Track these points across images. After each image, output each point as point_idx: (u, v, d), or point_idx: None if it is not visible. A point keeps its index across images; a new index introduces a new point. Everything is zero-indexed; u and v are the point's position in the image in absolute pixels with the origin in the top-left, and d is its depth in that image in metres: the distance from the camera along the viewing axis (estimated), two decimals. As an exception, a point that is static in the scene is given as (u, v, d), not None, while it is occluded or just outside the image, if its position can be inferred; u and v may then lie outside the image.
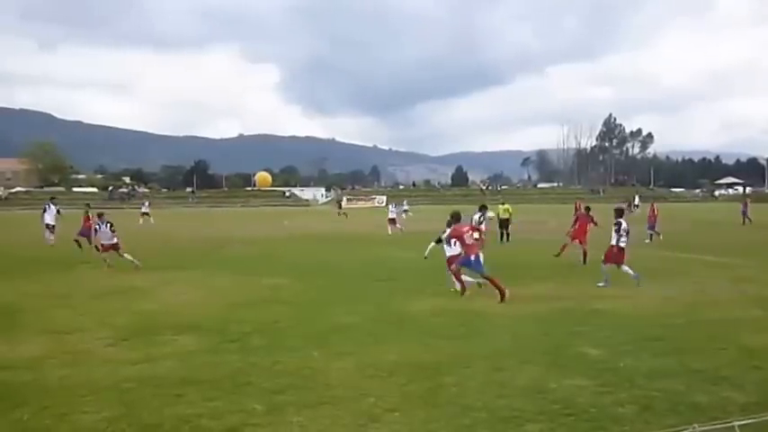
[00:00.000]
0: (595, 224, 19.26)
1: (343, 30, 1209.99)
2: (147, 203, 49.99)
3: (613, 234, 14.37)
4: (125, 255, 17.76)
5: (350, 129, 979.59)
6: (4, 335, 9.52)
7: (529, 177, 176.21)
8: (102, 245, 18.23)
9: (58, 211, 26.81)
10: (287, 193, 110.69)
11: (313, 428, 5.71)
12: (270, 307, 11.86)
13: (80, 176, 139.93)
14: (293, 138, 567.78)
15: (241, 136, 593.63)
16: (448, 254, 13.37)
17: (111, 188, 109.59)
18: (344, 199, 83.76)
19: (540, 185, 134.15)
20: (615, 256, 14.23)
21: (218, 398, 6.49)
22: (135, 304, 12.16)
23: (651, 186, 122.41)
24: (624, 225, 14.42)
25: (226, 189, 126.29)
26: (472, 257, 12.50)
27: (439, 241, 13.93)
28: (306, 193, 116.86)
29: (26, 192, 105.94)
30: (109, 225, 18.04)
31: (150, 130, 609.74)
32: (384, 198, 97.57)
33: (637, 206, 54.26)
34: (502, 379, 7.12)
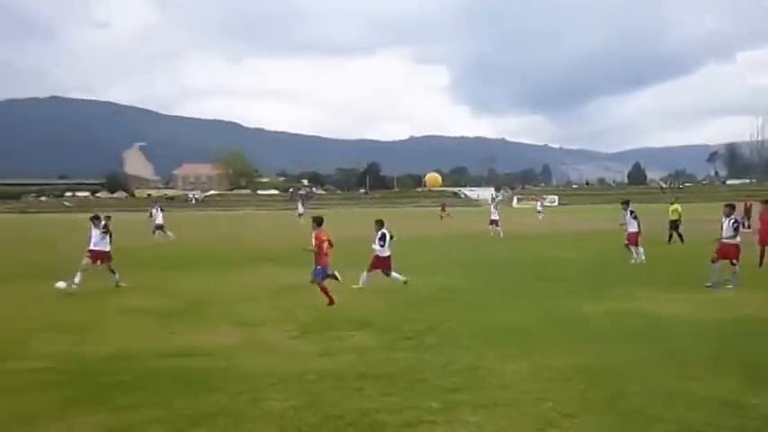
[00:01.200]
0: None
1: (513, 27, 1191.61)
2: (300, 204, 52.64)
3: None
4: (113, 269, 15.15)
5: (519, 127, 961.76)
6: (204, 326, 10.48)
7: (716, 173, 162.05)
8: (91, 251, 15.00)
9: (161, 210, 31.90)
10: (457, 194, 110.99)
11: (489, 429, 5.66)
12: (440, 306, 11.98)
13: (264, 180, 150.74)
14: (462, 138, 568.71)
15: (411, 138, 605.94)
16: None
17: (291, 190, 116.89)
18: (515, 199, 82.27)
19: (729, 182, 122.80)
20: None
21: (395, 393, 6.64)
22: (313, 300, 12.80)
23: None
24: None
25: (397, 190, 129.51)
26: (319, 267, 12.42)
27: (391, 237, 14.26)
28: (475, 193, 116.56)
29: (219, 194, 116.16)
30: (104, 227, 15.21)
31: (325, 135, 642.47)
32: (555, 198, 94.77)
33: None
34: (690, 389, 6.60)
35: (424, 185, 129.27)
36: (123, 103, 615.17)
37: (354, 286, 13.49)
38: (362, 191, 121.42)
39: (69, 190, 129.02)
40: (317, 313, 11.40)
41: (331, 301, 12.12)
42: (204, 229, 42.10)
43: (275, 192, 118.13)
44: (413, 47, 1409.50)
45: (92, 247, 15.04)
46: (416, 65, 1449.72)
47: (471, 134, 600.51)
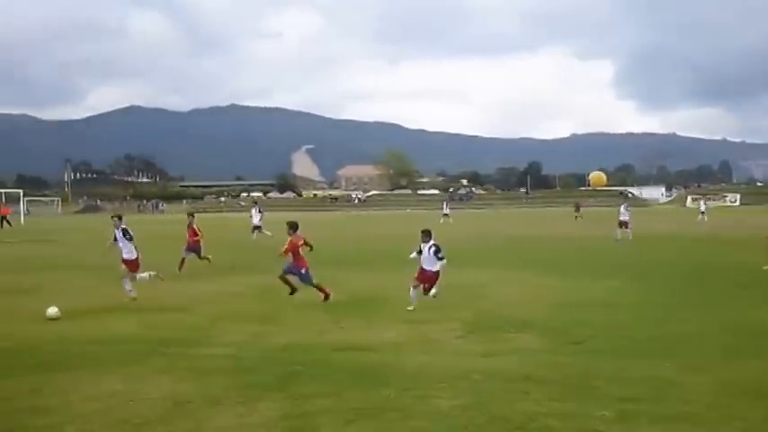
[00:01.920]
0: None
1: (683, 15, 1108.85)
2: (445, 205, 52.23)
3: None
4: (138, 276, 13.59)
5: (692, 121, 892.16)
6: (371, 322, 10.82)
7: None
8: (124, 260, 13.41)
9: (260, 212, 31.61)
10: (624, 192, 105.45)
11: (670, 444, 5.31)
12: (608, 310, 11.44)
13: (424, 180, 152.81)
14: (628, 134, 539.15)
15: (574, 135, 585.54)
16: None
17: (451, 190, 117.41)
18: (688, 198, 76.50)
19: None
20: None
21: (564, 399, 6.43)
22: (475, 300, 12.78)
23: None
24: None
25: (559, 189, 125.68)
26: (303, 270, 12.58)
27: (419, 252, 12.22)
28: (644, 193, 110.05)
29: (380, 194, 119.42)
30: (122, 231, 13.44)
31: (485, 134, 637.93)
32: (737, 197, 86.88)
33: None
34: None
35: (588, 184, 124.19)
36: (293, 108, 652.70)
37: (409, 308, 11.57)
38: (523, 190, 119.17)
39: (245, 191, 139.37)
40: (479, 313, 11.35)
41: (326, 297, 12.55)
42: (368, 228, 43.49)
43: (435, 192, 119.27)
44: (574, 42, 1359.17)
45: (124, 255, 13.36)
46: (578, 60, 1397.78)
47: (638, 130, 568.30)
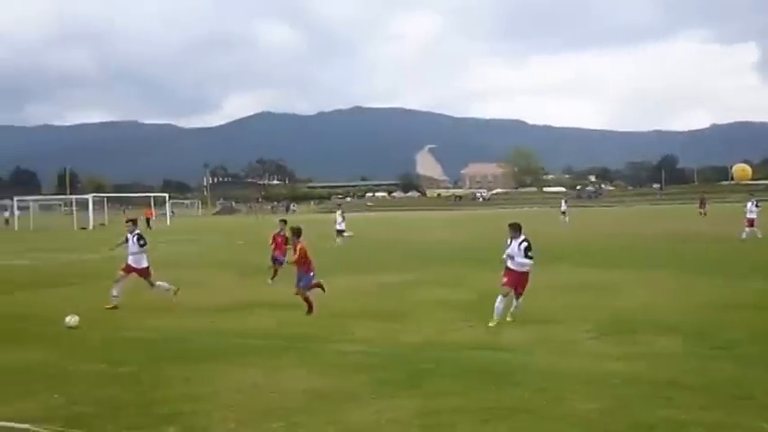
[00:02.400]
0: None
1: None
2: (563, 202, 49.98)
3: None
4: (158, 283, 13.23)
5: None
6: (501, 321, 10.66)
7: None
8: (128, 266, 13.01)
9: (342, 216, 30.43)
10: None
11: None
12: (761, 313, 10.60)
13: (549, 177, 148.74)
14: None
15: (714, 125, 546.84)
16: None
17: (578, 187, 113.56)
18: None
19: None
20: None
21: (714, 407, 6.04)
22: (609, 301, 12.29)
23: None
24: None
25: (696, 184, 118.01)
26: (308, 274, 11.92)
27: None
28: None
29: (505, 193, 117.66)
30: (137, 237, 12.98)
31: (614, 128, 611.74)
32: None
33: None
34: None
35: (731, 178, 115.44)
36: (416, 108, 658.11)
37: (491, 324, 10.16)
38: (656, 186, 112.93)
39: (369, 191, 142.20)
40: (614, 314, 10.90)
41: (310, 309, 11.75)
42: (493, 226, 43.00)
43: (561, 189, 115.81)
44: (713, 25, 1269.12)
45: (130, 262, 13.00)
46: (718, 45, 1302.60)
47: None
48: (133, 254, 12.90)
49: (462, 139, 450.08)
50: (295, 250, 11.97)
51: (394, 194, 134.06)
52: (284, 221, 17.04)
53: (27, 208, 66.56)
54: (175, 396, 6.93)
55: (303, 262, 11.91)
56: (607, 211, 71.06)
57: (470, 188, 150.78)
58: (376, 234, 31.72)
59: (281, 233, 16.32)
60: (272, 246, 16.53)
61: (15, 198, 65.89)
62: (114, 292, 12.59)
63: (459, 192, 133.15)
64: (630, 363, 7.74)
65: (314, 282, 12.17)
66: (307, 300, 11.86)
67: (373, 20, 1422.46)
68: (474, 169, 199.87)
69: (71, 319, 10.77)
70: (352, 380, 7.34)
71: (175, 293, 13.25)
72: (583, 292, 13.40)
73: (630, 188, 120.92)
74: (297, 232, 12.23)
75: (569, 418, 5.90)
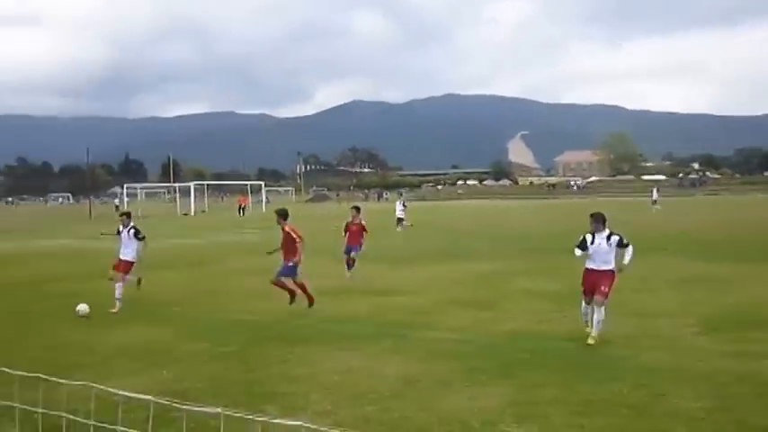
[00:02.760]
0: None
1: None
2: (655, 191, 48.22)
3: None
4: (120, 283, 11.64)
5: None
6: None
7: None
8: (120, 261, 11.93)
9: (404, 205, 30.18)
10: None
11: None
12: None
13: (648, 164, 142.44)
14: None
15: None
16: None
17: (681, 175, 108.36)
18: None
19: None
20: None
21: (835, 411, 5.65)
22: (714, 295, 11.68)
23: None
24: None
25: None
26: (290, 264, 11.07)
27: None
28: None
29: (600, 181, 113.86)
30: (134, 231, 12.01)
31: (720, 112, 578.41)
32: None
33: None
34: None
35: None
36: (509, 95, 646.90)
37: (591, 341, 8.26)
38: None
39: (461, 179, 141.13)
40: (721, 310, 10.36)
41: (292, 299, 11.10)
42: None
43: (661, 177, 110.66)
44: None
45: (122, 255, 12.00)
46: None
47: None
48: (127, 247, 11.93)
49: (556, 125, 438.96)
50: (294, 232, 11.35)
51: (485, 182, 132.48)
52: (357, 208, 16.08)
53: (135, 195, 70.71)
54: (274, 376, 7.19)
55: (288, 249, 11.29)
56: (711, 199, 67.37)
57: (564, 176, 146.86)
58: (466, 222, 31.53)
59: (356, 221, 15.34)
60: (346, 235, 15.32)
61: (125, 186, 70.13)
62: (117, 294, 11.51)
63: (552, 180, 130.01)
64: (739, 361, 7.34)
65: (292, 275, 11.11)
66: (284, 286, 11.09)
67: (466, 5, 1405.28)
68: (568, 157, 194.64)
69: (82, 308, 10.76)
70: (444, 367, 7.37)
71: (139, 282, 12.34)
72: (684, 286, 12.82)
73: (738, 176, 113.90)
74: (283, 214, 11.73)
75: (673, 416, 5.69)
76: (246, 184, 73.58)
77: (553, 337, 8.75)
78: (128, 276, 11.92)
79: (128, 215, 12.61)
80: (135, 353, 8.44)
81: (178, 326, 10.10)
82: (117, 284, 11.55)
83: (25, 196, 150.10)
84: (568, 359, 7.65)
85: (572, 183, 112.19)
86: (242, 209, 54.97)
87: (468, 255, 19.23)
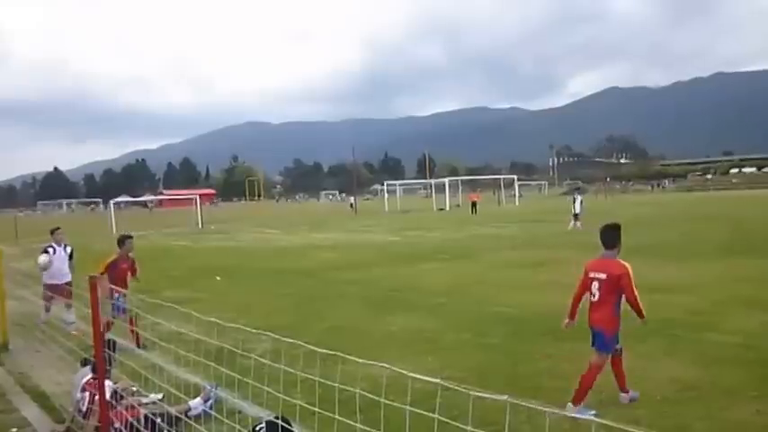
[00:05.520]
0: None
1: None
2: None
3: None
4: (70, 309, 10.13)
5: None
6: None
7: None
8: (47, 285, 10.52)
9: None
10: None
11: None
12: None
13: None
14: None
15: None
16: None
17: None
18: None
19: None
20: None
21: None
22: None
23: None
24: None
25: None
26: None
27: None
28: None
29: None
30: (68, 249, 10.82)
31: None
32: None
33: None
34: None
35: None
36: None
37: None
38: None
39: (734, 166, 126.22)
40: None
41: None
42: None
43: None
44: None
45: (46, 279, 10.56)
46: None
47: None
48: (59, 269, 10.61)
49: None
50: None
51: (765, 169, 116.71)
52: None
53: (394, 191, 75.31)
54: (540, 371, 7.18)
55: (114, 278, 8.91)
56: None
57: None
58: (744, 214, 28.12)
59: None
60: None
61: (385, 183, 75.08)
62: (70, 318, 10.13)
63: None
64: None
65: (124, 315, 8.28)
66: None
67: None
68: None
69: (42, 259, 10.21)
70: (727, 374, 6.72)
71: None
72: None
73: None
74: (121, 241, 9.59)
75: None
76: (499, 179, 74.21)
77: None
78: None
79: (56, 230, 11.06)
80: (403, 339, 9.02)
81: (444, 316, 10.55)
82: (69, 310, 10.21)
83: (300, 195, 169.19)
84: None
85: None
86: (474, 207, 50.17)
87: (751, 250, 17.15)
